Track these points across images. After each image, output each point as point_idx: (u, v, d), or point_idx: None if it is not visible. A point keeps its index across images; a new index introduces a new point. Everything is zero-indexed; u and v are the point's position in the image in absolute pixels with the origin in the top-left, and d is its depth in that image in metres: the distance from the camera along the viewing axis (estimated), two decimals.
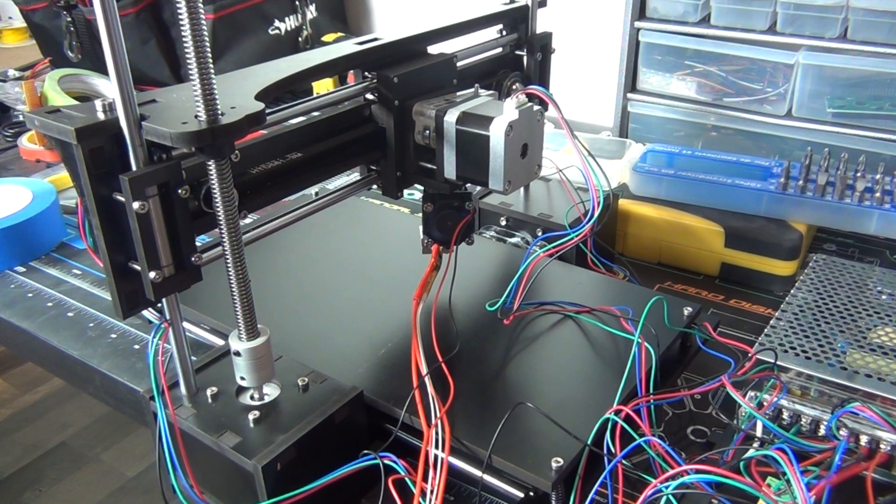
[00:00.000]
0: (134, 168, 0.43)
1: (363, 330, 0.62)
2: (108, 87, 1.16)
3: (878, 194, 0.72)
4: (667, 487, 0.44)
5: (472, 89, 0.61)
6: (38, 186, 0.87)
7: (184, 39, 0.40)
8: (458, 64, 0.64)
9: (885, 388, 0.49)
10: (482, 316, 0.63)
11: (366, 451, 0.49)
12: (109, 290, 0.46)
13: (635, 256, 0.79)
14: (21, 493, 1.48)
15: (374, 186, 0.62)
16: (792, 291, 0.61)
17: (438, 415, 0.50)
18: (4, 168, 1.06)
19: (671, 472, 0.44)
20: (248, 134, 0.44)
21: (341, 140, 0.58)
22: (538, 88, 0.69)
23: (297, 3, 1.29)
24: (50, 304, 0.73)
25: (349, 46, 0.58)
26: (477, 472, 0.49)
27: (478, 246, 0.68)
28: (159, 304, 0.48)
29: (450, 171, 0.58)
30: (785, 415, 0.51)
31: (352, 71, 0.60)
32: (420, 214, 0.62)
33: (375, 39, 0.59)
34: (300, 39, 1.31)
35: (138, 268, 0.45)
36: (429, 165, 0.59)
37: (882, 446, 0.48)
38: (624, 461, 0.48)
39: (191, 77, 0.41)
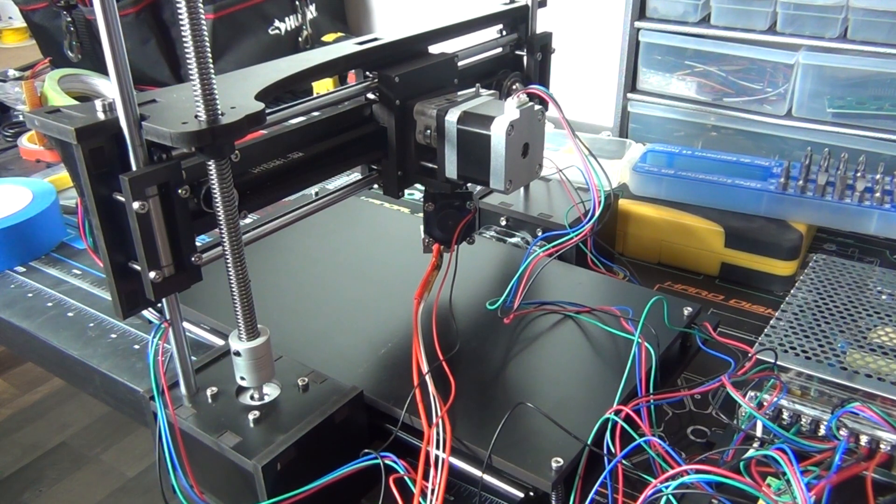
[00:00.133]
0: (134, 168, 0.43)
1: (363, 330, 0.62)
2: (108, 87, 1.16)
3: (878, 194, 0.72)
4: (667, 487, 0.44)
5: (473, 89, 0.61)
6: (38, 186, 0.87)
7: (184, 39, 0.40)
8: (459, 64, 0.64)
9: (885, 388, 0.49)
10: (482, 316, 0.63)
11: (366, 451, 0.49)
12: (109, 290, 0.46)
13: (635, 256, 0.79)
14: (21, 493, 1.48)
15: (375, 186, 0.62)
16: (792, 291, 0.61)
17: (440, 414, 0.50)
18: (4, 168, 1.06)
19: (671, 472, 0.44)
20: (248, 134, 0.44)
21: (342, 140, 0.58)
22: (539, 88, 0.69)
23: (297, 3, 1.29)
24: (50, 304, 0.73)
25: (349, 46, 0.58)
26: (477, 472, 0.49)
27: (478, 246, 0.68)
28: (159, 304, 0.48)
29: (451, 170, 0.58)
30: (785, 415, 0.51)
31: (352, 71, 0.60)
32: (420, 214, 0.62)
33: (376, 39, 0.59)
34: (300, 39, 1.31)
35: (138, 268, 0.45)
36: (430, 165, 0.59)
37: (882, 446, 0.47)
38: (624, 461, 0.48)
39: (191, 77, 0.41)
